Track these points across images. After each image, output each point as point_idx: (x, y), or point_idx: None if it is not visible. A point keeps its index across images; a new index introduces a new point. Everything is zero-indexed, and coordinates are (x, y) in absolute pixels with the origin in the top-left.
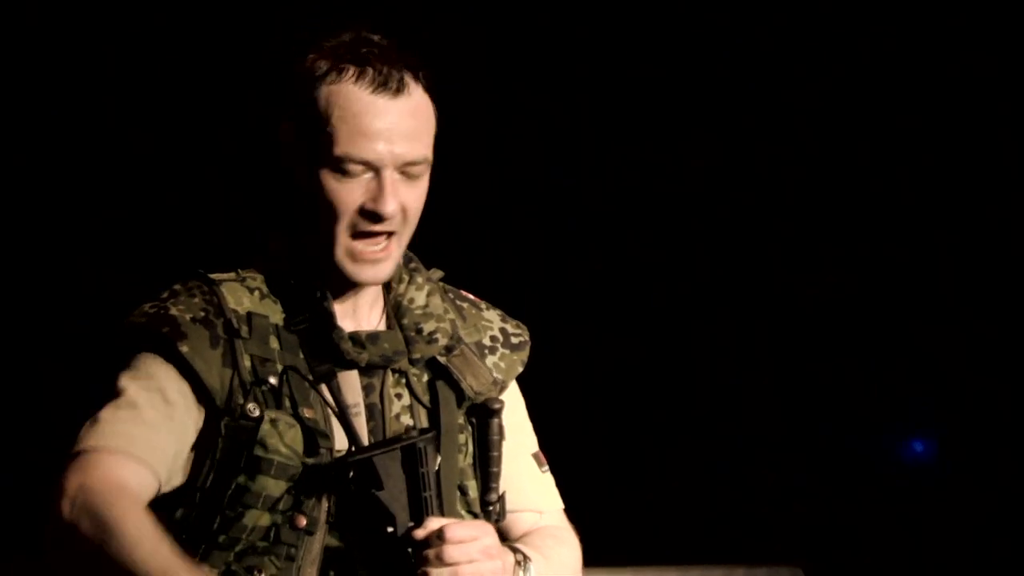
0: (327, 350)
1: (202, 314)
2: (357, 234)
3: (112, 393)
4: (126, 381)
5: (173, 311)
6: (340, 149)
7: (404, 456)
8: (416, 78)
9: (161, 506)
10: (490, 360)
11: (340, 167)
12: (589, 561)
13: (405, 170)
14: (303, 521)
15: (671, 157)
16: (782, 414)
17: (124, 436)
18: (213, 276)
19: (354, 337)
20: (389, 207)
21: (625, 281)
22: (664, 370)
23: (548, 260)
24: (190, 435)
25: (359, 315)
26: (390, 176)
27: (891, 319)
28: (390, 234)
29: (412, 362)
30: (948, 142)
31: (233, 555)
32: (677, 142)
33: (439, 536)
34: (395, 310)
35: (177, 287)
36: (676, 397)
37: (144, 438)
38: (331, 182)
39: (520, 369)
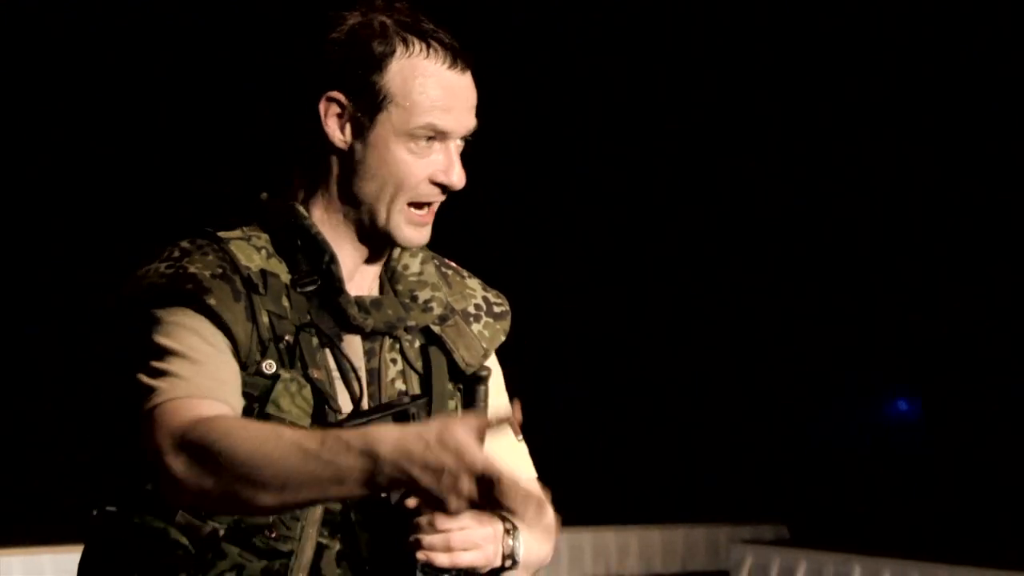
0: (334, 313)
1: (219, 270)
2: (412, 204)
3: (150, 351)
4: (161, 336)
5: (192, 269)
6: (423, 119)
7: (396, 421)
8: (468, 55)
9: None
10: (475, 328)
11: (415, 139)
12: (576, 521)
13: (461, 141)
14: None
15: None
16: (766, 375)
17: (189, 383)
18: (220, 234)
19: (359, 302)
20: (458, 179)
21: (600, 252)
22: (645, 331)
23: (523, 230)
24: (236, 369)
25: (359, 280)
26: (455, 147)
27: (876, 281)
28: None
29: (407, 329)
30: (922, 117)
31: (233, 516)
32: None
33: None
34: (389, 276)
35: (185, 244)
36: (659, 358)
37: (205, 376)
38: (402, 153)
39: (502, 338)
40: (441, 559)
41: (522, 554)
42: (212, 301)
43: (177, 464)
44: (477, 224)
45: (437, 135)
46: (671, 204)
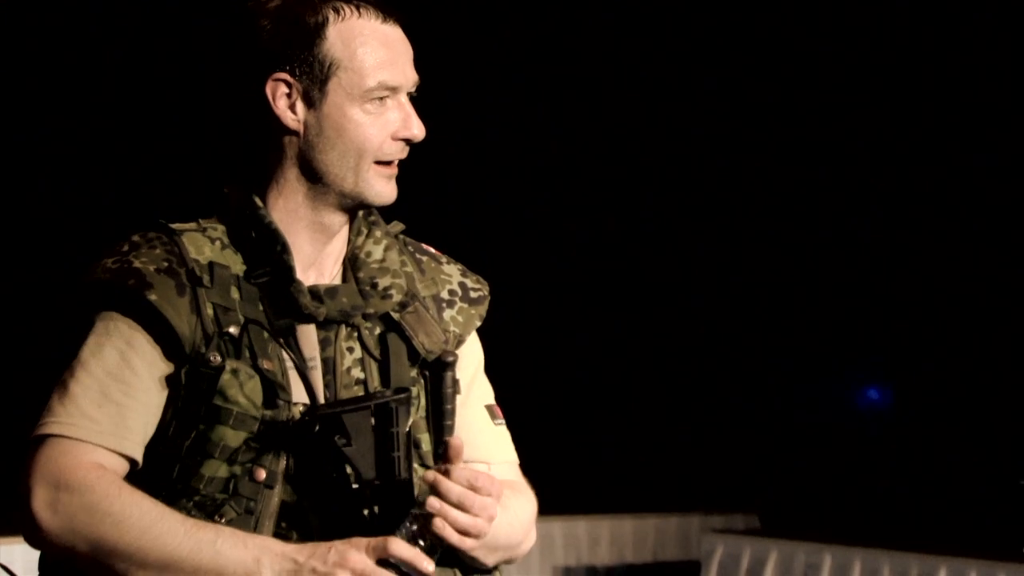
0: (286, 303)
1: (165, 264)
2: (378, 163)
3: (79, 365)
4: (92, 349)
5: (136, 263)
6: (375, 78)
7: (376, 414)
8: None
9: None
10: (447, 313)
11: (370, 98)
12: (547, 510)
13: (410, 91)
14: (262, 474)
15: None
16: (738, 363)
17: (94, 424)
18: (173, 226)
19: (313, 291)
20: (419, 131)
21: (583, 243)
22: (614, 322)
23: (512, 220)
24: (157, 405)
25: (321, 266)
26: (406, 99)
27: (846, 271)
28: None
29: (365, 316)
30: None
31: (192, 503)
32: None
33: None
34: (351, 263)
35: (136, 238)
36: (629, 348)
37: (111, 420)
38: (360, 116)
39: (478, 323)
40: (452, 536)
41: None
42: (153, 296)
43: (46, 515)
44: (461, 212)
45: (389, 92)
46: (649, 198)
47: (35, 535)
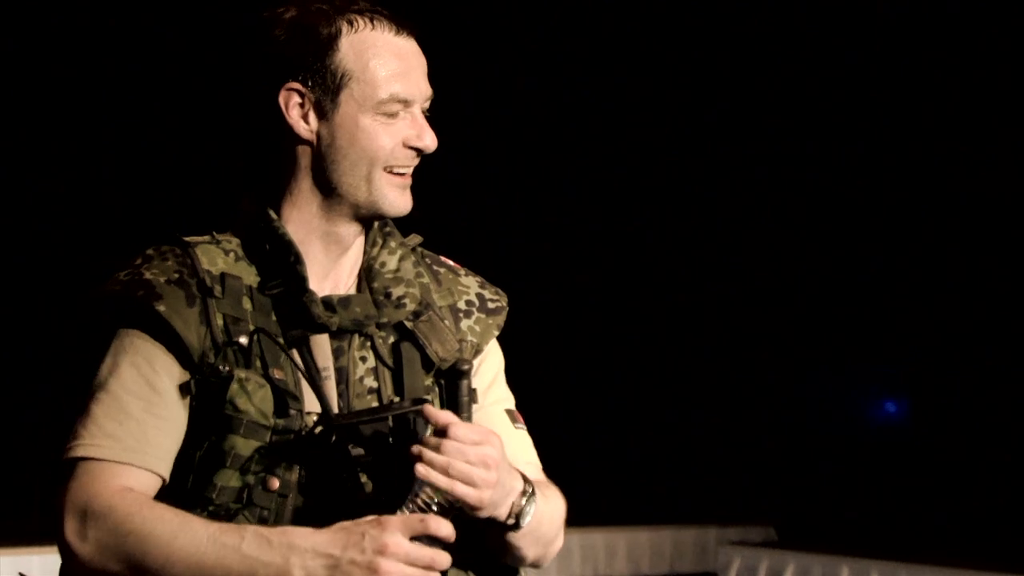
0: (299, 313)
1: (176, 275)
2: (389, 170)
3: (98, 385)
4: (109, 367)
5: (147, 275)
6: (387, 90)
7: (395, 424)
8: (410, 21)
9: None
10: (465, 323)
11: (382, 110)
12: (564, 522)
13: (424, 105)
14: (276, 483)
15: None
16: (755, 376)
17: (118, 442)
18: (187, 239)
19: (326, 301)
20: (431, 141)
21: (604, 256)
22: (632, 332)
23: (531, 229)
24: (183, 421)
25: (335, 278)
26: (419, 111)
27: (863, 284)
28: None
29: (379, 326)
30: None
31: (207, 514)
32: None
33: (444, 432)
34: (366, 273)
35: (150, 252)
36: (647, 359)
37: (133, 437)
38: (372, 125)
39: (495, 333)
40: (439, 479)
41: (530, 520)
42: (161, 307)
43: (77, 544)
44: (474, 220)
45: (400, 104)
46: (659, 202)
47: (70, 563)
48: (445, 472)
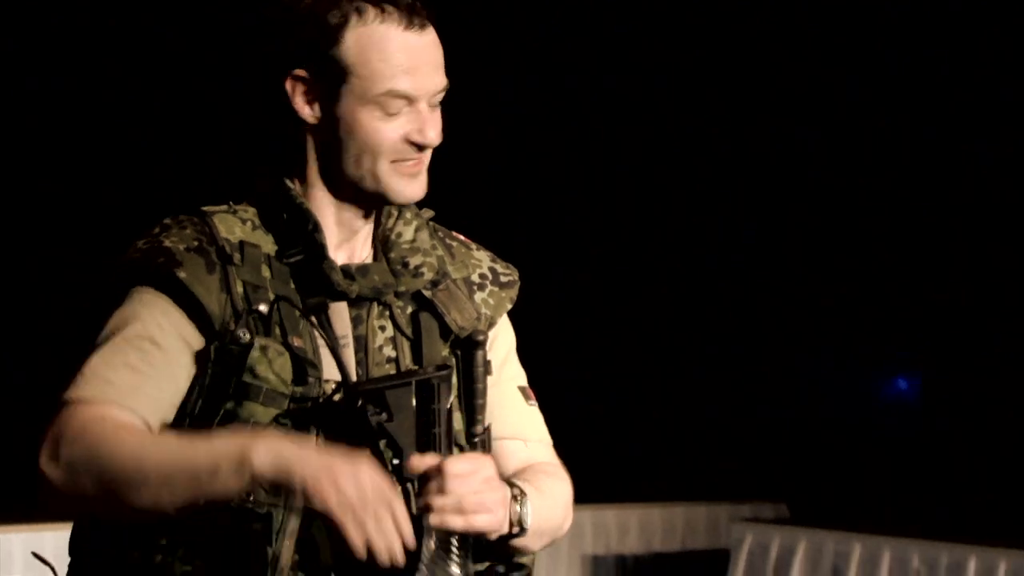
0: (318, 281)
1: (195, 243)
2: (395, 161)
3: (103, 338)
4: (117, 323)
5: (167, 243)
6: (385, 86)
7: (418, 390)
8: (426, 10)
9: None
10: (478, 296)
11: (383, 104)
12: (576, 499)
13: (432, 100)
14: None
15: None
16: (768, 354)
17: (108, 385)
18: (204, 208)
19: (345, 269)
20: (434, 136)
21: (612, 232)
22: (643, 309)
23: (543, 204)
24: (181, 380)
25: (350, 249)
26: (426, 106)
27: (875, 260)
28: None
29: (397, 295)
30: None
31: None
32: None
33: (438, 470)
34: (383, 244)
35: (167, 221)
36: (658, 336)
37: (130, 386)
38: (373, 120)
39: (508, 307)
40: (455, 521)
41: (531, 521)
42: (182, 274)
43: (49, 469)
44: (481, 201)
45: (403, 99)
46: (662, 186)
47: (43, 492)
48: (459, 510)
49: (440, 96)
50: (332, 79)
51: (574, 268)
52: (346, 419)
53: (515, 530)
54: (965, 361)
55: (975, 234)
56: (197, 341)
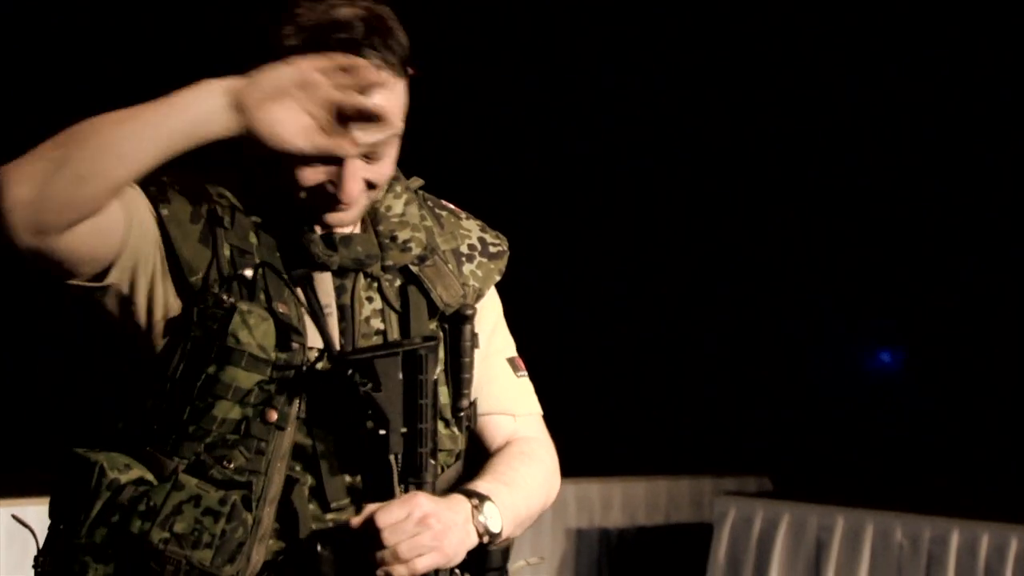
0: (301, 251)
1: (191, 191)
2: (318, 202)
3: None
4: None
5: (164, 178)
6: (296, 145)
7: (405, 361)
8: (395, 64)
9: (131, 397)
10: (467, 267)
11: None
12: (559, 473)
13: (369, 152)
14: (274, 415)
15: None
16: (750, 326)
17: None
18: (211, 165)
19: (327, 239)
20: (351, 194)
21: (600, 206)
22: (626, 284)
23: (533, 178)
24: (148, 234)
25: None
26: (351, 163)
27: (858, 233)
28: None
29: (384, 268)
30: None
31: (203, 446)
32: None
33: (372, 523)
34: (371, 216)
35: (165, 178)
36: (642, 310)
37: None
38: (288, 166)
39: (497, 278)
40: (399, 571)
41: (501, 522)
42: (164, 211)
43: (9, 169)
44: (481, 171)
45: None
46: (667, 168)
47: (3, 202)
48: (397, 559)
49: (385, 146)
50: None
51: (561, 242)
52: (331, 387)
53: (485, 539)
54: (949, 334)
55: (959, 206)
56: (162, 266)
